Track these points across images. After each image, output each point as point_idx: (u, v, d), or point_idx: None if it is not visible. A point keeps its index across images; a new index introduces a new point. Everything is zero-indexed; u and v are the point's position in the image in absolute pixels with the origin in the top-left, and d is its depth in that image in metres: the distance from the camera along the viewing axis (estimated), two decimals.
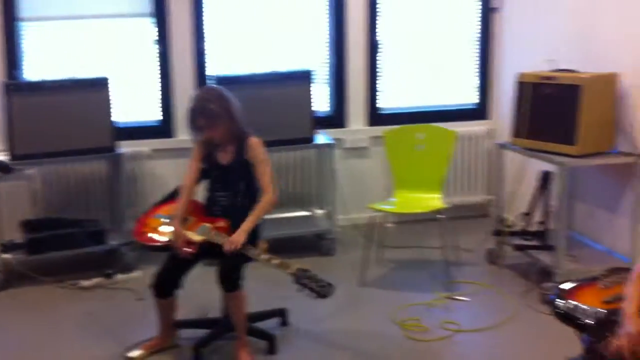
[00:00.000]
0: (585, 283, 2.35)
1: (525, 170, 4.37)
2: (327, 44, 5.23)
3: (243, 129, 3.36)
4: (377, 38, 5.27)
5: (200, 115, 3.24)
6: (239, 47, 5.06)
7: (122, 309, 3.89)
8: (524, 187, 4.47)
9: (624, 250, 3.91)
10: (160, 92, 5.00)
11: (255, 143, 3.35)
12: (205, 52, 5.01)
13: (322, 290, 2.93)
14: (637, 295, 2.06)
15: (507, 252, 4.33)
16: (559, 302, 2.27)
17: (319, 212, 5.16)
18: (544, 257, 4.00)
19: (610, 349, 2.00)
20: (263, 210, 3.28)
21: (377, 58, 5.31)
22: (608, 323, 2.07)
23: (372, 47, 5.27)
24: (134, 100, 4.95)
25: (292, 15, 5.11)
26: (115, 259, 4.41)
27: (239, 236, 3.14)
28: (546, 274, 3.92)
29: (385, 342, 3.48)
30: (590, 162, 3.87)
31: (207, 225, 3.28)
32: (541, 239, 4.19)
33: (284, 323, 3.66)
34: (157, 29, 4.91)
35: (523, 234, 4.30)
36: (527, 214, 4.32)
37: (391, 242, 4.79)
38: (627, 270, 2.31)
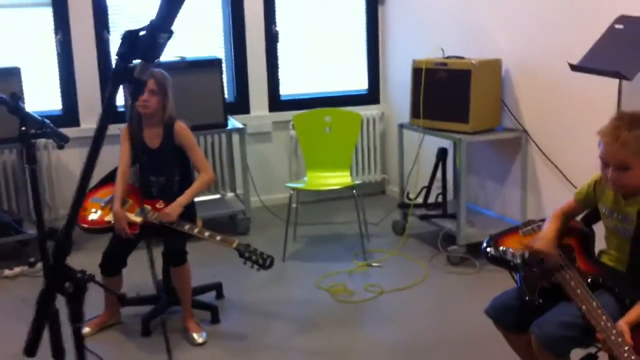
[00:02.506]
0: (509, 232, 2.77)
1: (422, 148, 4.83)
2: (226, 34, 5.44)
3: (171, 114, 3.51)
4: (276, 28, 5.54)
5: (150, 76, 3.38)
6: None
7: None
8: (422, 163, 4.93)
9: (513, 216, 4.45)
10: (61, 81, 4.99)
11: (182, 128, 3.50)
12: (110, 40, 5.05)
13: (264, 262, 3.18)
14: (554, 226, 2.51)
15: (411, 222, 4.76)
16: (491, 249, 2.67)
17: (230, 194, 5.38)
18: (446, 225, 4.47)
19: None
20: (200, 186, 3.46)
21: (277, 47, 5.58)
22: (531, 262, 2.49)
23: (271, 37, 5.54)
24: (37, 90, 4.90)
25: (195, 6, 5.26)
26: (34, 248, 4.40)
27: (175, 209, 3.30)
28: (449, 239, 4.39)
29: (317, 306, 3.79)
30: (482, 137, 4.37)
31: (147, 207, 3.42)
32: (441, 209, 4.65)
33: (220, 296, 3.87)
34: (56, 18, 4.89)
35: (425, 205, 4.76)
36: (427, 187, 4.77)
37: (305, 220, 5.10)
38: (535, 221, 2.74)
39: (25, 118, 2.60)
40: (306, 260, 4.48)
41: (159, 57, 1.40)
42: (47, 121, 2.73)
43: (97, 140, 1.41)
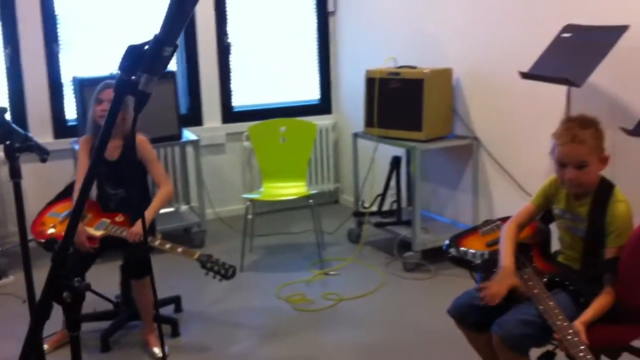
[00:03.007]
0: (468, 232, 2.84)
1: (376, 156, 4.90)
2: (179, 46, 5.42)
3: (132, 126, 3.49)
4: (228, 40, 5.55)
5: (110, 88, 3.37)
6: (96, 49, 5.09)
7: (12, 312, 3.84)
8: (376, 171, 4.99)
9: (466, 221, 4.54)
10: (10, 95, 4.89)
11: (143, 140, 3.50)
12: (60, 54, 4.98)
13: (226, 272, 3.17)
14: (509, 248, 2.55)
15: (366, 230, 4.81)
16: (452, 250, 2.73)
17: (184, 207, 5.35)
18: (401, 231, 4.53)
19: (482, 293, 2.46)
20: (162, 200, 3.45)
21: (229, 58, 5.59)
22: (492, 261, 2.56)
23: (223, 48, 5.54)
24: None
25: (144, 19, 5.23)
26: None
27: (140, 227, 3.29)
28: (404, 246, 4.45)
29: (277, 316, 3.80)
30: (435, 145, 4.45)
31: (106, 220, 3.38)
32: (396, 216, 4.72)
33: (178, 309, 3.84)
34: (5, 32, 4.80)
35: (379, 213, 4.82)
36: (381, 195, 4.84)
37: (261, 231, 5.10)
38: (494, 221, 2.82)
39: (11, 132, 2.59)
40: (264, 270, 4.48)
41: (164, 70, 1.44)
42: (30, 135, 2.71)
43: (99, 152, 1.45)
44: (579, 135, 2.34)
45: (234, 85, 5.65)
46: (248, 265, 4.53)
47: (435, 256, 4.29)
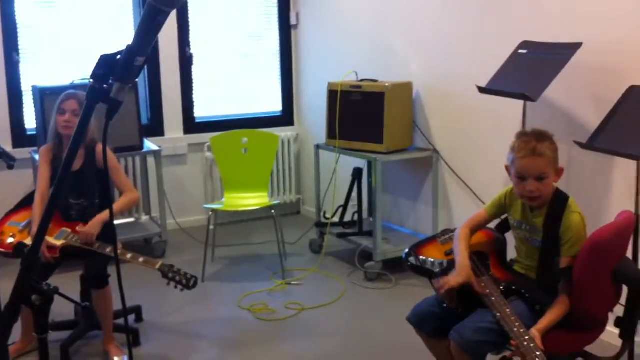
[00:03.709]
0: (427, 241, 2.90)
1: (338, 168, 4.96)
2: None
3: (94, 137, 3.48)
4: (190, 51, 5.56)
5: (73, 98, 3.35)
6: (56, 59, 5.06)
7: None
8: (338, 183, 5.05)
9: (426, 232, 4.61)
10: None
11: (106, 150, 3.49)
12: (20, 63, 4.93)
13: (188, 282, 3.19)
14: (464, 249, 2.63)
15: (328, 241, 4.85)
16: (412, 259, 2.79)
17: (145, 217, 5.32)
18: (363, 242, 4.59)
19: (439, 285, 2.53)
20: (125, 204, 3.46)
21: (191, 69, 5.60)
22: (450, 270, 2.62)
23: (186, 59, 5.55)
24: None
25: (108, 27, 5.22)
26: None
27: (94, 226, 3.27)
28: (366, 256, 4.51)
29: (238, 325, 3.81)
30: (396, 157, 4.53)
31: (67, 229, 3.36)
32: (358, 227, 4.77)
33: (139, 319, 3.82)
34: None
35: (341, 224, 4.87)
36: (343, 206, 4.89)
37: (222, 241, 5.10)
38: (452, 230, 2.88)
39: None
40: (226, 280, 4.49)
41: (135, 78, 1.48)
42: None
43: (69, 160, 1.47)
44: (538, 148, 2.42)
45: (196, 96, 5.65)
46: (210, 275, 4.53)
47: (396, 266, 4.35)
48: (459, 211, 4.41)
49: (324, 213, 5.02)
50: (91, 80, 1.46)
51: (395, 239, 4.63)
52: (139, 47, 1.44)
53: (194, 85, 5.63)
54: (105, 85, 1.45)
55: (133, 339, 3.54)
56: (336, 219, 4.92)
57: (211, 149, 4.96)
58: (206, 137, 5.22)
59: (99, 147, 3.46)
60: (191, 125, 5.65)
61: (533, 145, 2.43)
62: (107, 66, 1.44)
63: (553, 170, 2.46)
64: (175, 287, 3.17)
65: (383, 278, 4.39)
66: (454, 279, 2.46)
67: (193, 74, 5.62)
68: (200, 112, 5.71)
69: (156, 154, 4.93)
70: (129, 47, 1.44)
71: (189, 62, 5.57)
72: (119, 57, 1.45)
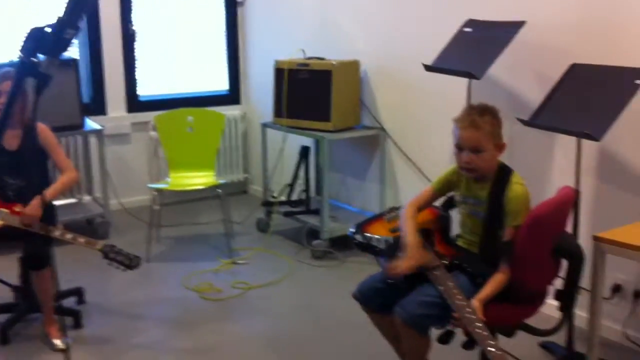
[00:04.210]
0: (374, 219, 2.90)
1: (285, 146, 4.92)
2: (81, 33, 5.25)
3: (32, 115, 3.37)
4: (133, 27, 5.43)
5: (9, 79, 3.23)
6: None
7: None
8: (285, 161, 5.02)
9: (373, 210, 4.63)
10: None
11: (44, 129, 3.40)
12: None
13: (130, 262, 3.12)
14: (412, 227, 2.64)
15: (275, 219, 4.83)
16: (358, 236, 2.78)
17: (87, 198, 5.20)
18: (310, 220, 4.58)
19: (390, 268, 2.54)
20: (64, 184, 3.38)
21: (134, 47, 5.47)
22: (396, 246, 2.63)
23: (128, 36, 5.42)
24: None
25: (48, 4, 5.05)
26: None
27: (35, 207, 3.17)
28: (313, 234, 4.50)
29: (184, 305, 3.76)
30: (343, 135, 4.51)
31: (4, 210, 3.25)
32: (305, 205, 4.76)
33: (81, 301, 3.74)
34: None
35: (288, 202, 4.85)
36: (290, 185, 4.87)
37: (168, 221, 5.02)
38: (398, 208, 2.89)
39: None
40: (171, 260, 4.43)
41: (65, 51, 1.42)
42: None
43: None
44: (477, 121, 2.46)
45: (139, 75, 5.53)
46: (155, 256, 4.46)
47: (343, 244, 4.35)
48: (406, 189, 4.43)
49: (271, 192, 4.98)
50: (21, 55, 1.39)
51: (342, 217, 4.63)
52: (69, 19, 1.38)
53: (137, 63, 5.50)
54: (35, 60, 1.39)
55: (75, 321, 3.46)
56: (283, 198, 4.90)
57: (155, 128, 4.86)
58: (150, 116, 5.11)
59: (40, 126, 3.37)
60: (135, 103, 5.53)
61: (473, 117, 2.47)
62: (37, 39, 1.37)
63: (492, 145, 2.48)
64: (117, 267, 3.10)
65: (330, 256, 4.39)
66: (406, 264, 2.46)
67: (136, 51, 5.49)
68: (145, 90, 5.58)
69: (98, 133, 4.81)
70: (59, 20, 1.38)
71: (131, 39, 5.44)
72: (49, 30, 1.38)
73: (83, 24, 5.12)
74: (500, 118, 2.54)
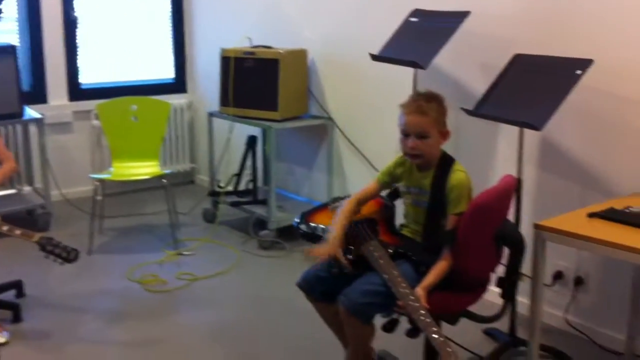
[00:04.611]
0: (318, 209, 2.89)
1: (232, 136, 4.87)
2: (21, 20, 5.10)
3: None
4: (75, 14, 5.29)
5: None
6: None
7: None
8: (232, 151, 4.96)
9: (321, 199, 4.61)
10: None
11: None
12: None
13: (68, 255, 3.05)
14: (344, 220, 2.64)
15: (222, 210, 4.77)
16: (303, 226, 2.77)
17: (27, 188, 5.06)
18: (257, 210, 4.54)
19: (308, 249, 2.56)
20: (3, 175, 3.28)
21: (76, 34, 5.33)
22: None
23: (70, 23, 5.27)
24: None
25: None
26: None
27: None
28: (260, 225, 4.47)
29: (127, 298, 3.69)
30: (290, 124, 4.49)
31: None
32: (252, 195, 4.72)
33: (20, 294, 3.64)
34: None
35: (235, 192, 4.80)
36: (237, 175, 4.82)
37: (111, 212, 4.92)
38: (343, 197, 2.88)
39: None
40: (114, 252, 4.34)
41: None
42: None
43: None
44: (423, 107, 2.48)
45: (82, 62, 5.39)
46: (98, 247, 4.36)
47: (290, 234, 4.32)
48: (353, 178, 4.44)
49: (218, 182, 4.93)
50: None
51: (289, 207, 4.60)
52: None
53: (79, 50, 5.36)
54: None
55: (14, 315, 3.36)
56: (230, 188, 4.85)
57: (98, 117, 4.75)
58: (93, 105, 4.98)
59: None
60: (77, 92, 5.39)
61: (419, 103, 2.50)
62: None
63: (437, 131, 2.50)
64: (54, 261, 3.02)
65: (277, 246, 4.37)
66: (319, 250, 2.50)
67: (78, 38, 5.34)
68: (87, 78, 5.45)
69: (38, 122, 4.67)
70: None
71: (73, 25, 5.30)
72: None
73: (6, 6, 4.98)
74: (445, 106, 2.56)
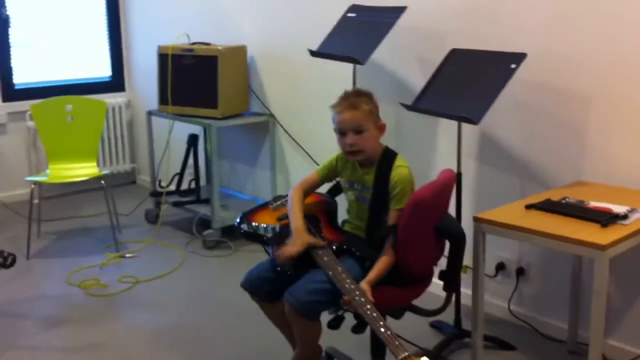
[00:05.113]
0: (259, 208, 2.87)
1: (173, 135, 4.79)
2: None
3: None
4: (7, 12, 5.12)
5: None
6: None
7: None
8: (173, 150, 4.89)
9: (265, 196, 4.58)
10: None
11: None
12: None
13: (5, 261, 2.95)
14: (298, 211, 2.63)
15: (165, 210, 4.70)
16: (244, 225, 2.74)
17: None
18: (201, 210, 4.48)
19: (278, 254, 2.52)
20: None
21: (8, 33, 5.16)
22: (283, 234, 2.61)
23: (1, 22, 5.11)
24: None
25: None
26: None
27: None
28: (204, 224, 4.41)
29: (67, 302, 3.60)
30: (231, 122, 4.44)
31: None
32: (195, 195, 4.66)
33: None
34: None
35: (178, 192, 4.73)
36: (179, 174, 4.75)
37: (50, 216, 4.79)
38: (284, 196, 2.87)
39: None
40: (53, 256, 4.23)
41: None
42: None
43: None
44: (354, 102, 2.51)
45: (15, 62, 5.23)
46: (36, 252, 4.24)
47: (235, 233, 4.26)
48: (296, 174, 4.42)
49: (159, 182, 4.85)
50: None
51: (233, 206, 4.56)
52: None
53: (12, 49, 5.20)
54: None
55: None
56: (173, 188, 4.78)
57: (32, 118, 4.61)
58: (28, 105, 4.84)
59: None
60: (10, 92, 5.23)
61: (349, 100, 2.52)
62: None
63: (372, 125, 2.52)
64: None
65: (222, 245, 4.33)
66: (291, 248, 2.46)
67: (10, 37, 5.18)
68: (21, 78, 5.29)
69: None
70: None
71: (5, 24, 5.13)
72: None
73: None
74: (376, 101, 2.58)
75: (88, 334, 3.27)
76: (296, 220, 2.56)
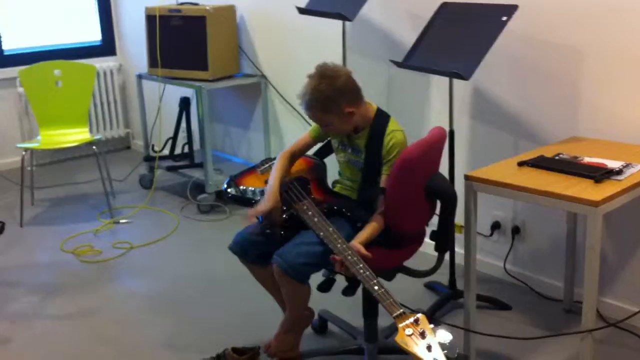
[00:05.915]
0: (247, 171, 2.82)
1: (164, 98, 4.73)
2: None
3: None
4: None
5: None
6: None
7: None
8: (166, 114, 4.83)
9: (258, 159, 4.50)
10: None
11: None
12: None
13: None
14: (278, 172, 2.59)
15: (158, 175, 4.66)
16: (232, 189, 2.70)
17: None
18: (195, 174, 4.44)
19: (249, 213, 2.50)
20: None
21: None
22: None
23: None
24: None
25: None
26: None
27: None
28: (198, 188, 4.38)
29: (62, 269, 3.59)
30: (223, 84, 4.38)
31: None
32: (188, 159, 4.62)
33: None
34: None
35: (172, 157, 4.68)
36: (173, 138, 4.70)
37: (43, 183, 4.76)
38: (272, 159, 2.83)
39: None
40: (47, 223, 4.20)
41: None
42: None
43: None
44: (309, 102, 2.43)
45: (3, 27, 5.14)
46: (29, 219, 4.22)
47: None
48: (290, 136, 4.37)
49: (153, 146, 4.80)
50: None
51: (227, 169, 4.52)
52: None
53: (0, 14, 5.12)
54: None
55: None
56: (166, 152, 4.73)
57: (22, 84, 4.55)
58: (18, 71, 4.77)
59: None
60: (0, 58, 5.15)
61: (305, 98, 2.44)
62: None
63: (335, 115, 2.41)
64: None
65: (217, 209, 4.30)
66: (261, 206, 2.44)
67: None
68: (11, 44, 5.21)
69: None
70: None
71: None
72: None
73: None
74: (343, 76, 2.44)
75: (82, 301, 3.26)
76: (273, 181, 2.54)
